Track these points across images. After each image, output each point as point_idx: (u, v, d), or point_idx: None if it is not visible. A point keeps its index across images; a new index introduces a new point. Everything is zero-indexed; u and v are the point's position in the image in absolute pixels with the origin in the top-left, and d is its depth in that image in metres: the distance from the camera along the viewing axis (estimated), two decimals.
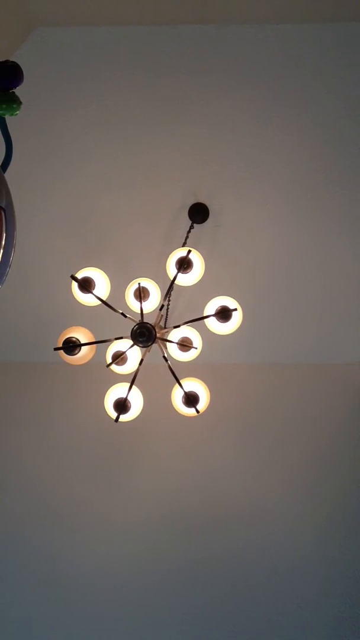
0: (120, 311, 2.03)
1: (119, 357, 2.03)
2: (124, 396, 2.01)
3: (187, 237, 2.22)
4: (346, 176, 2.23)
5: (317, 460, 2.36)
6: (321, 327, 2.43)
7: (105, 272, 2.05)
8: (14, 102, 1.01)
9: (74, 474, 2.42)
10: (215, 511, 2.35)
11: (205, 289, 2.12)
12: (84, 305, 2.06)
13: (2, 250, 1.02)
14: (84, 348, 2.04)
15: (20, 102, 1.02)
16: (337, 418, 2.38)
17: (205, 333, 2.06)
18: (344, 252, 2.31)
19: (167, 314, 2.22)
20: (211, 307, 2.03)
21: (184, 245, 2.22)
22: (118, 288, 2.07)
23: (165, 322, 2.24)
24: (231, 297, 2.04)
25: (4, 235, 1.02)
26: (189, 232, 2.22)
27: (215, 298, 2.04)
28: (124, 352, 2.02)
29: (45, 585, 2.33)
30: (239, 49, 2.15)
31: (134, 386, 2.03)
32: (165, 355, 2.05)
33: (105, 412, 2.05)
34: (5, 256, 1.04)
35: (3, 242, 1.02)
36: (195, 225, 2.25)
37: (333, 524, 2.31)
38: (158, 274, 2.12)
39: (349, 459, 2.35)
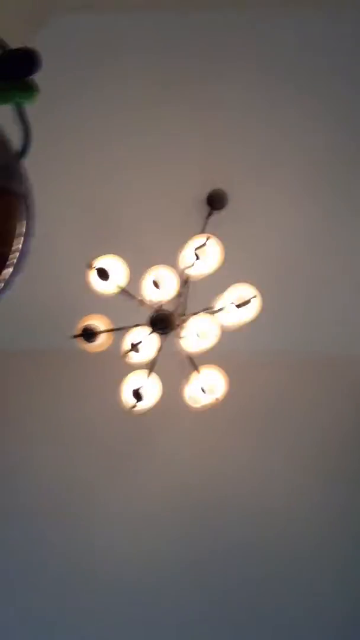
0: (139, 298, 2.02)
1: (137, 345, 2.03)
2: (142, 384, 2.01)
3: (205, 224, 2.20)
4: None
5: (335, 453, 2.35)
6: (334, 317, 2.40)
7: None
8: (32, 89, 1.00)
9: (83, 464, 2.43)
10: (228, 504, 2.35)
11: (222, 276, 2.10)
12: (99, 293, 2.05)
13: (22, 240, 1.02)
14: (101, 336, 2.04)
15: (39, 90, 1.01)
16: (351, 409, 2.37)
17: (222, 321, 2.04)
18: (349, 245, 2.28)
19: (185, 302, 2.21)
20: (230, 294, 2.01)
21: (202, 232, 2.19)
22: (133, 274, 2.06)
23: (178, 309, 2.23)
24: (244, 284, 2.03)
25: (25, 224, 1.02)
26: (207, 218, 2.20)
27: (233, 285, 2.02)
28: (141, 340, 2.02)
29: (47, 577, 2.36)
30: (252, 34, 2.11)
31: (152, 374, 2.04)
32: (184, 343, 2.04)
33: (119, 401, 2.04)
34: (26, 245, 1.03)
35: (24, 230, 1.02)
36: (214, 212, 2.22)
37: (348, 521, 2.30)
38: (175, 261, 2.10)
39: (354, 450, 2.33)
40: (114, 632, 2.30)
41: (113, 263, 2.03)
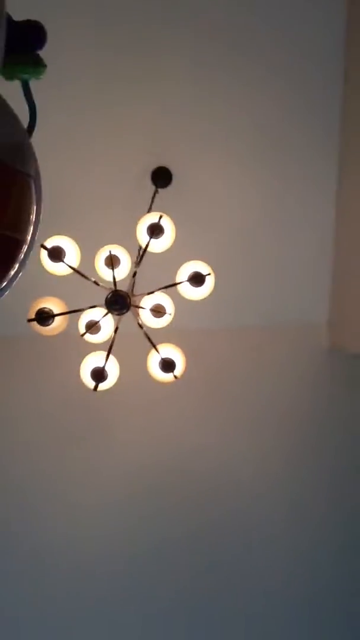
0: (93, 279, 1.99)
1: (93, 326, 2.00)
2: (101, 365, 1.99)
3: (152, 202, 2.19)
4: (303, 138, 2.28)
5: (287, 422, 2.47)
6: (287, 288, 2.50)
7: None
8: (39, 64, 0.95)
9: (47, 447, 2.38)
10: (192, 481, 2.41)
11: (170, 254, 2.11)
12: (53, 274, 1.99)
13: (31, 227, 0.97)
14: (57, 318, 1.99)
15: (45, 65, 0.96)
16: (306, 378, 2.50)
17: (177, 298, 2.06)
18: (301, 212, 2.38)
19: (134, 281, 2.20)
20: (184, 272, 2.03)
21: (149, 210, 2.19)
22: (85, 256, 2.02)
23: (133, 289, 2.22)
24: (197, 261, 2.06)
25: (34, 207, 0.97)
26: (153, 197, 2.19)
27: (188, 263, 2.04)
28: (98, 321, 2.00)
29: (8, 562, 2.31)
30: (194, 4, 2.11)
31: (109, 354, 2.02)
32: (140, 322, 2.04)
33: (80, 381, 2.02)
34: (34, 232, 0.99)
35: (33, 217, 0.97)
36: (159, 189, 2.22)
37: (303, 485, 2.43)
38: (124, 241, 2.08)
39: (319, 420, 2.47)
40: (68, 624, 2.30)
41: (65, 243, 1.97)
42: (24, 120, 0.98)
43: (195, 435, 2.45)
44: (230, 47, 2.17)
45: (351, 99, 2.20)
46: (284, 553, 2.37)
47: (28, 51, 0.93)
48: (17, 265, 0.97)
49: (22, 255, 0.96)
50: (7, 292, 1.03)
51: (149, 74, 2.17)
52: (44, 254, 1.95)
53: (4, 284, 0.97)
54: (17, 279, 1.02)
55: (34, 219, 0.97)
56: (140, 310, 2.04)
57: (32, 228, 0.96)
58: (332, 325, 2.52)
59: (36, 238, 1.02)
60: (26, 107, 0.99)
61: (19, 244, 0.93)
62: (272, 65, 2.19)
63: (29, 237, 0.96)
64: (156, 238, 2.01)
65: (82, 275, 1.97)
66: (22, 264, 0.99)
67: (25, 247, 0.95)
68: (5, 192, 0.90)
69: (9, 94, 0.93)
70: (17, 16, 0.99)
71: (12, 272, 0.97)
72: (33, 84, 1.01)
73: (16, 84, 0.96)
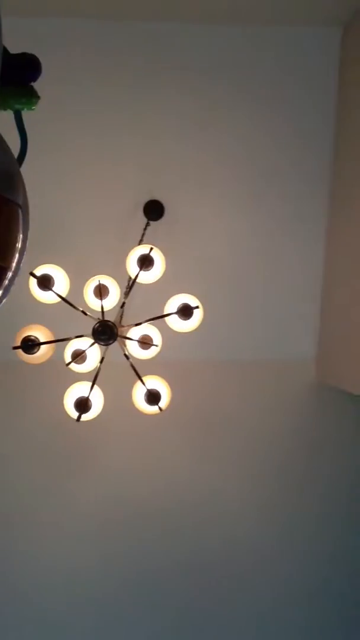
0: (81, 309, 1.99)
1: (79, 356, 1.99)
2: (85, 395, 1.97)
3: (143, 235, 2.21)
4: (294, 175, 2.33)
5: (274, 456, 2.45)
6: (275, 322, 2.51)
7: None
8: (32, 96, 0.97)
9: (30, 475, 2.34)
10: (176, 511, 2.37)
11: (159, 286, 2.12)
12: (41, 303, 1.99)
13: (17, 254, 0.97)
14: (42, 347, 1.98)
15: (39, 97, 0.98)
16: (292, 413, 2.48)
17: (165, 330, 2.06)
18: (292, 249, 2.41)
19: (123, 312, 2.20)
20: (172, 304, 2.04)
21: (140, 242, 2.20)
22: (74, 285, 2.02)
23: (121, 319, 2.22)
24: (186, 294, 2.07)
25: (20, 236, 0.97)
26: (145, 229, 2.21)
27: (176, 295, 2.05)
28: (84, 351, 1.99)
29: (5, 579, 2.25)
30: (189, 44, 2.18)
31: (94, 385, 2.00)
32: (127, 353, 2.03)
33: (64, 410, 2.00)
34: (20, 259, 0.99)
35: (19, 245, 0.97)
36: (150, 222, 2.24)
37: (292, 515, 2.40)
38: (114, 272, 2.09)
39: (306, 453, 2.45)
40: None
41: (54, 272, 1.98)
42: (15, 150, 0.99)
43: (180, 466, 2.42)
44: (227, 85, 2.22)
45: (343, 139, 2.25)
46: (274, 580, 2.33)
47: (22, 83, 0.95)
48: (0, 292, 0.96)
49: (6, 282, 0.96)
50: None
51: (145, 110, 2.22)
52: (33, 281, 1.95)
53: None
54: (1, 305, 1.01)
55: (19, 247, 0.97)
56: (127, 341, 2.04)
57: (17, 256, 0.96)
58: (319, 361, 2.52)
59: (21, 266, 1.02)
60: (18, 137, 1.00)
61: (3, 271, 0.93)
62: (266, 105, 2.25)
63: (14, 265, 0.96)
64: (146, 270, 2.01)
65: (70, 304, 1.97)
66: (6, 290, 0.99)
67: (9, 274, 0.95)
68: None
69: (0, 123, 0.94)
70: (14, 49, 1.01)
71: None
72: (27, 115, 1.03)
73: (8, 114, 0.98)
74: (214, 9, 2.09)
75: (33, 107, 0.98)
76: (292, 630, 2.32)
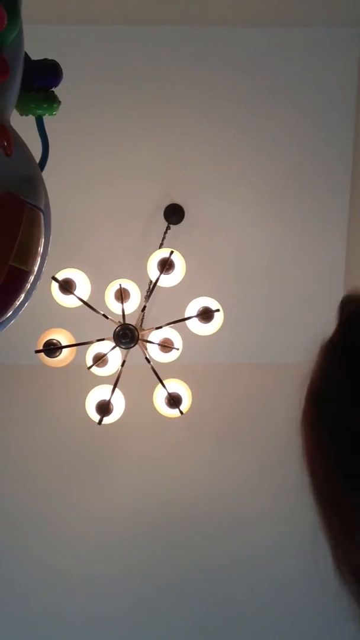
0: (102, 312, 2.00)
1: (101, 359, 2.00)
2: (107, 398, 1.98)
3: (163, 238, 2.21)
4: (314, 178, 2.31)
5: (301, 461, 2.42)
6: (299, 325, 2.49)
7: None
8: (54, 101, 0.98)
9: (53, 478, 2.35)
10: (198, 515, 2.36)
11: (180, 290, 2.12)
12: (63, 307, 2.01)
13: (39, 258, 0.98)
14: (64, 350, 1.99)
15: (60, 102, 0.99)
16: None
17: (185, 334, 2.06)
18: (314, 251, 2.39)
19: (144, 315, 2.21)
20: (192, 307, 2.04)
21: (160, 246, 2.21)
22: (95, 289, 2.04)
23: (142, 323, 2.23)
24: (206, 297, 2.07)
25: (42, 240, 0.98)
26: (165, 232, 2.22)
27: (197, 298, 2.05)
28: (105, 354, 2.00)
29: (21, 590, 2.26)
30: (208, 51, 2.18)
31: (115, 388, 2.01)
32: (148, 356, 2.04)
33: (86, 414, 2.01)
34: (42, 263, 1.00)
35: (40, 250, 0.98)
36: (171, 226, 2.25)
37: (314, 523, 2.37)
38: (134, 275, 2.10)
39: None
40: None
41: (76, 276, 1.99)
42: (37, 155, 1.00)
43: (202, 471, 2.41)
44: (248, 89, 2.22)
45: None
46: (293, 596, 2.30)
47: (44, 88, 0.96)
48: (22, 295, 0.97)
49: (28, 286, 0.97)
50: (12, 321, 1.03)
51: (165, 114, 2.22)
52: (55, 286, 1.96)
53: (10, 313, 0.98)
54: (23, 308, 1.02)
55: (41, 252, 0.98)
56: (148, 344, 2.04)
57: (39, 260, 0.97)
58: None
59: (43, 270, 1.02)
60: (39, 142, 1.01)
61: (26, 275, 0.94)
62: (287, 105, 2.24)
63: (35, 269, 0.97)
64: (166, 273, 2.02)
65: (92, 308, 1.98)
66: (28, 294, 1.00)
67: (31, 278, 0.96)
68: (16, 224, 0.91)
69: (22, 128, 0.95)
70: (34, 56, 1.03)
71: (18, 302, 0.98)
72: (48, 120, 1.04)
73: (31, 119, 0.99)
74: (233, 12, 2.09)
75: (54, 113, 0.99)
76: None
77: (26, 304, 1.04)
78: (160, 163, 2.26)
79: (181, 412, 2.02)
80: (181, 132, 2.24)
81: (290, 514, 2.34)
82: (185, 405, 2.03)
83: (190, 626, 2.30)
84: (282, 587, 2.30)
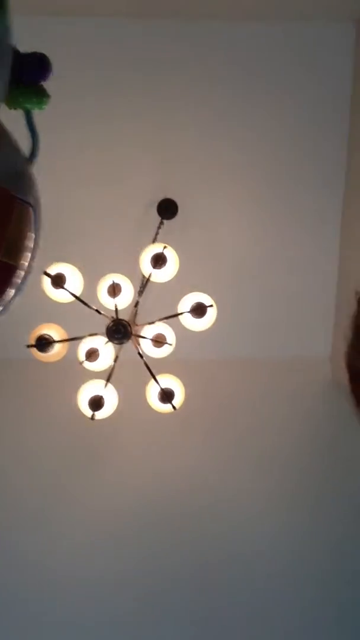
0: (95, 308, 1.99)
1: (93, 354, 1.99)
2: (99, 393, 1.98)
3: (157, 233, 2.20)
4: (308, 172, 2.31)
5: (289, 454, 2.42)
6: (290, 321, 2.49)
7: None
8: (43, 95, 0.97)
9: (45, 473, 2.35)
10: (193, 509, 2.35)
11: (173, 285, 2.12)
12: (55, 302, 2.00)
13: (28, 253, 0.97)
14: (56, 345, 1.99)
15: (49, 96, 0.98)
16: (308, 411, 2.46)
17: (178, 329, 2.06)
18: (308, 246, 2.39)
19: (137, 310, 2.21)
20: (186, 303, 2.03)
21: (154, 241, 2.20)
22: (87, 284, 2.03)
23: (135, 318, 2.22)
24: (200, 292, 2.06)
25: (32, 235, 0.98)
26: (159, 228, 2.21)
27: (190, 294, 2.05)
28: (97, 349, 1.99)
29: (13, 589, 2.26)
30: (203, 47, 2.17)
31: (109, 383, 2.01)
32: (140, 351, 2.03)
33: (78, 409, 2.01)
34: (32, 258, 0.99)
35: (30, 244, 0.97)
36: (164, 221, 2.24)
37: (309, 520, 2.37)
38: (127, 270, 2.09)
39: (321, 454, 2.42)
40: None
41: (68, 271, 1.98)
42: (26, 149, 0.99)
43: (195, 466, 2.41)
44: (242, 83, 2.21)
45: (357, 139, 2.23)
46: (288, 588, 2.30)
47: (32, 82, 0.95)
48: (12, 290, 0.97)
49: (17, 281, 0.97)
50: (2, 316, 1.03)
51: (158, 108, 2.21)
52: (46, 280, 1.96)
53: (0, 307, 0.97)
54: (13, 303, 1.02)
55: (31, 246, 0.97)
56: (140, 339, 2.04)
57: (29, 255, 0.96)
58: (334, 358, 2.50)
59: (33, 264, 1.02)
60: (29, 137, 1.00)
61: (15, 270, 0.93)
62: (282, 100, 2.23)
63: (25, 264, 0.96)
64: (159, 268, 2.01)
65: (84, 303, 1.98)
66: (19, 289, 1.00)
67: (21, 273, 0.96)
68: (5, 219, 0.91)
69: (11, 123, 0.95)
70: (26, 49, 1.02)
71: (8, 297, 0.97)
72: (39, 114, 1.03)
73: (19, 113, 0.98)
74: (229, 6, 2.07)
75: (43, 107, 0.98)
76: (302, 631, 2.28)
77: (17, 299, 1.03)
78: (154, 158, 2.25)
79: (174, 408, 2.02)
80: (175, 127, 2.22)
81: (285, 508, 2.35)
82: (178, 401, 2.03)
83: (186, 619, 2.30)
84: (279, 579, 2.30)
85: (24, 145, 0.98)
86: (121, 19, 2.08)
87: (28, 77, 0.95)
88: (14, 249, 0.93)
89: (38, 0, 2.00)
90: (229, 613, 2.30)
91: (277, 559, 2.26)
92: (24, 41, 0.98)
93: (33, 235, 0.97)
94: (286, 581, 2.26)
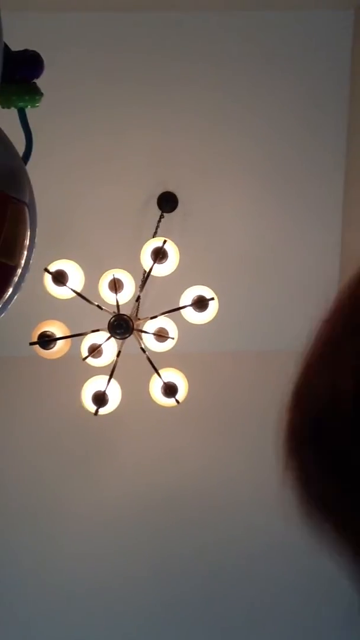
0: (96, 303, 1.99)
1: (95, 350, 1.99)
2: (103, 389, 1.98)
3: (157, 227, 2.20)
4: (308, 162, 2.29)
5: None
6: (291, 313, 2.48)
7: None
8: (36, 93, 0.96)
9: (49, 470, 2.36)
10: (194, 505, 2.37)
11: (174, 279, 2.11)
12: (57, 298, 2.00)
13: (25, 252, 0.97)
14: (59, 342, 1.99)
15: (42, 94, 0.98)
16: None
17: (180, 322, 2.05)
18: (308, 238, 2.38)
19: (138, 305, 2.20)
20: (187, 296, 2.03)
21: (154, 235, 2.19)
22: (89, 280, 2.03)
23: (136, 313, 2.22)
24: (201, 285, 2.06)
25: (28, 234, 0.97)
26: (159, 221, 2.20)
27: (191, 287, 2.04)
28: (100, 345, 1.99)
29: (17, 586, 2.28)
30: (202, 36, 2.15)
31: (112, 379, 2.01)
32: (143, 346, 2.03)
33: (82, 404, 2.01)
34: (29, 256, 0.99)
35: (27, 242, 0.97)
36: (164, 214, 2.23)
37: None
38: (128, 265, 2.09)
39: None
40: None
41: (69, 267, 1.98)
42: (20, 148, 0.99)
43: (198, 459, 2.41)
44: (239, 74, 2.19)
45: (357, 128, 2.21)
46: (284, 571, 2.32)
47: (25, 80, 0.95)
48: (10, 289, 0.97)
49: (15, 279, 0.96)
50: (3, 315, 1.03)
51: (157, 101, 2.20)
52: (47, 277, 1.96)
53: None
54: (12, 302, 1.02)
55: (27, 244, 0.97)
56: (143, 334, 2.04)
57: (26, 253, 0.96)
58: None
59: (31, 262, 1.02)
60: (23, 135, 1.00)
61: (12, 270, 0.93)
62: (280, 90, 2.21)
63: (22, 262, 0.96)
64: (160, 262, 2.01)
65: (85, 299, 1.98)
66: (17, 287, 1.00)
67: (19, 272, 0.95)
68: (1, 219, 0.91)
69: (5, 121, 0.94)
70: (19, 45, 1.01)
71: (6, 296, 0.97)
72: (33, 111, 1.03)
73: (12, 111, 0.98)
74: None
75: (37, 104, 0.97)
76: (299, 612, 2.30)
77: (16, 297, 1.03)
78: (153, 151, 2.24)
79: (177, 402, 2.02)
80: (174, 120, 2.21)
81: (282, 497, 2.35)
82: (181, 395, 2.03)
83: (187, 619, 2.32)
84: (275, 567, 2.32)
85: (18, 144, 0.97)
86: (116, 13, 2.07)
87: (20, 74, 0.95)
88: (11, 249, 0.92)
89: None
90: (227, 600, 2.32)
91: (279, 553, 2.27)
92: (16, 38, 0.98)
93: (29, 234, 0.96)
94: (283, 563, 2.27)
